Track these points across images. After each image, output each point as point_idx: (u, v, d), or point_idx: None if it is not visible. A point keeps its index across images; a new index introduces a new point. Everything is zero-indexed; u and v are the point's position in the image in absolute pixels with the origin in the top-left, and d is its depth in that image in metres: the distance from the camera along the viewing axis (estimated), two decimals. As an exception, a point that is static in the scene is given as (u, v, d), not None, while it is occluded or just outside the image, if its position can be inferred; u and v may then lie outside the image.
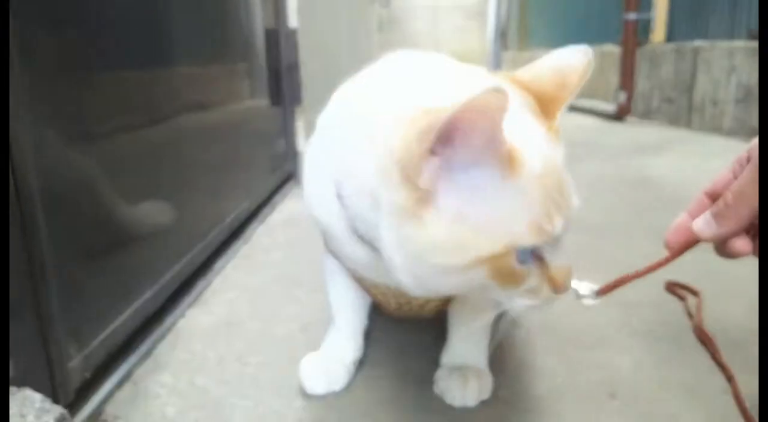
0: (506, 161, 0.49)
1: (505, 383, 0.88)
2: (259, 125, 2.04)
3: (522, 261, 0.52)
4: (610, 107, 4.09)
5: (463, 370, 0.84)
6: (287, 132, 2.27)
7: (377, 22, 8.18)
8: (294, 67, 2.30)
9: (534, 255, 0.54)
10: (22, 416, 0.54)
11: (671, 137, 3.27)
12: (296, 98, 2.32)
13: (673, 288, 1.12)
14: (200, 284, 1.26)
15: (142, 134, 1.10)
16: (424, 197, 0.48)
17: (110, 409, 0.85)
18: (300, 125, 2.37)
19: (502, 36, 8.47)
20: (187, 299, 1.18)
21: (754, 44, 2.90)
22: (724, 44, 3.17)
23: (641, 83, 4.01)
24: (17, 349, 0.61)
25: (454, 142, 0.46)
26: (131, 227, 1.05)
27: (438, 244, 0.49)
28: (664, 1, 3.68)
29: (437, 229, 0.48)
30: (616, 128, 3.77)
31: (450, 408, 0.82)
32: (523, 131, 0.52)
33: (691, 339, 1.00)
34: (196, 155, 1.39)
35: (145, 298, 1.01)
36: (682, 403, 0.83)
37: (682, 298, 1.11)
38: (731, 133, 3.11)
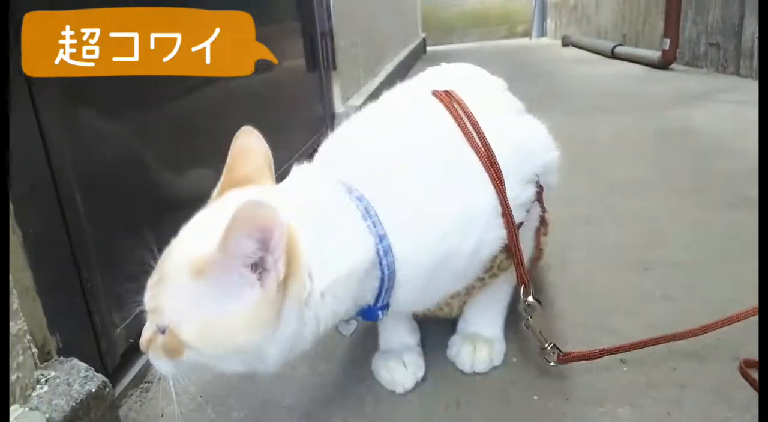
0: None
1: (520, 350, 0.92)
2: (296, 89, 2.08)
3: None
4: (654, 55, 3.94)
5: (474, 338, 0.89)
6: (323, 96, 2.32)
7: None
8: (328, 33, 2.32)
9: None
10: (68, 384, 0.61)
11: (716, 85, 3.14)
12: (331, 64, 2.36)
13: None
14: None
15: (179, 104, 1.15)
16: None
17: (154, 370, 0.93)
18: (336, 90, 2.41)
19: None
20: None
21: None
22: (775, -15, 3.00)
23: (688, 29, 3.84)
24: (62, 322, 0.69)
25: None
26: (175, 196, 1.12)
27: None
28: (712, -60, 3.48)
29: None
30: (658, 76, 3.65)
31: (460, 372, 0.88)
32: None
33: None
34: (234, 121, 1.44)
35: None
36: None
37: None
38: (781, 80, 2.98)
